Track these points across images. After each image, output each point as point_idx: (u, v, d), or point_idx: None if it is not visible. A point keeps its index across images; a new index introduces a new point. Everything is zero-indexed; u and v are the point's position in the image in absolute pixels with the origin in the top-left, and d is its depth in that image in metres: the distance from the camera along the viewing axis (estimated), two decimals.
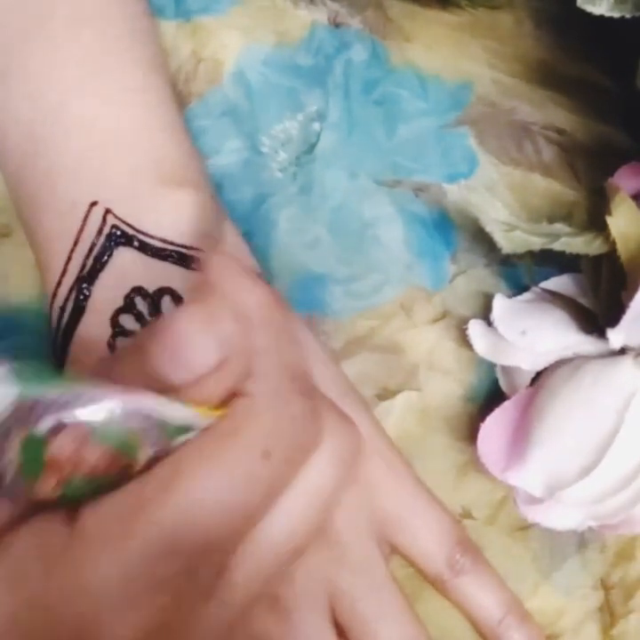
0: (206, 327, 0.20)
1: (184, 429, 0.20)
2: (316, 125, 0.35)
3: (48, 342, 0.29)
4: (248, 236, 0.32)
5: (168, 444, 0.20)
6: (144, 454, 0.20)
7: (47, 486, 0.19)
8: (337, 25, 0.36)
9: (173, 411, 0.19)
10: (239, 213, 0.32)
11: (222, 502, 0.19)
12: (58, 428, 0.19)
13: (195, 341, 0.20)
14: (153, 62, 0.32)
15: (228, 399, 0.20)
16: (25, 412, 0.19)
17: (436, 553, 0.29)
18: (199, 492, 0.19)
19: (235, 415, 0.20)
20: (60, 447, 0.19)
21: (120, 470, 0.20)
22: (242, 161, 0.35)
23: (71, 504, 0.20)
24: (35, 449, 0.19)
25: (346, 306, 0.33)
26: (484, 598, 0.30)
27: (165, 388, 0.20)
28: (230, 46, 0.35)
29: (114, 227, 0.28)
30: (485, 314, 0.32)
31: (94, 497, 0.19)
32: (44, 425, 0.19)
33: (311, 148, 0.35)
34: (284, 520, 0.22)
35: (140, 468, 0.20)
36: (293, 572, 0.27)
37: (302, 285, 0.33)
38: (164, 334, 0.20)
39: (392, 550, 0.30)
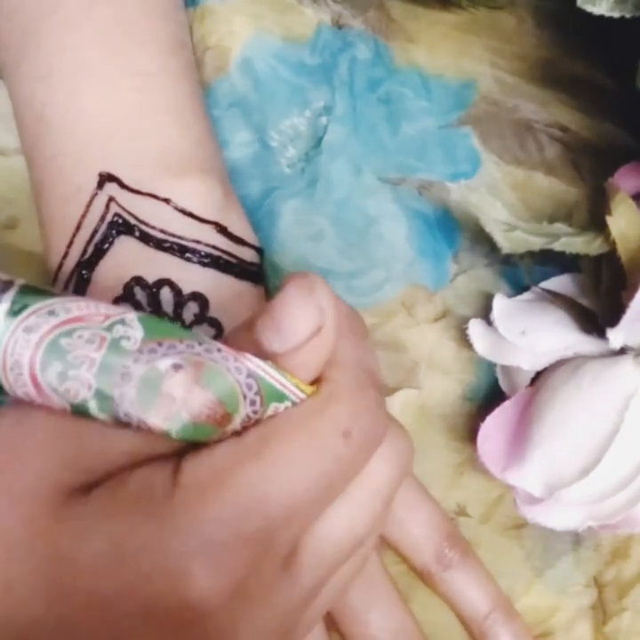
0: (308, 295, 0.22)
1: (279, 396, 0.22)
2: (324, 120, 0.35)
3: None
4: (252, 228, 0.32)
5: (263, 406, 0.22)
6: (243, 410, 0.21)
7: (157, 419, 0.21)
8: (340, 26, 0.36)
9: (275, 375, 0.22)
10: (247, 208, 0.32)
11: (306, 472, 0.21)
12: (177, 366, 0.21)
13: (297, 309, 0.22)
14: (169, 43, 0.31)
15: (315, 382, 0.23)
16: (149, 349, 0.21)
17: (425, 546, 0.30)
18: (286, 460, 0.21)
19: (320, 396, 0.22)
20: (176, 383, 0.21)
21: (219, 422, 0.21)
22: (251, 155, 0.34)
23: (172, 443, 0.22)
24: (153, 382, 0.21)
25: (347, 302, 0.33)
26: (470, 593, 0.30)
27: (268, 357, 0.22)
28: (238, 33, 0.35)
29: (116, 215, 0.28)
30: (485, 313, 0.32)
31: (195, 446, 0.21)
32: (167, 361, 0.21)
33: (319, 142, 0.35)
34: (348, 509, 0.23)
35: (235, 429, 0.22)
36: None
37: None
38: (271, 307, 0.22)
39: (384, 543, 0.30)
